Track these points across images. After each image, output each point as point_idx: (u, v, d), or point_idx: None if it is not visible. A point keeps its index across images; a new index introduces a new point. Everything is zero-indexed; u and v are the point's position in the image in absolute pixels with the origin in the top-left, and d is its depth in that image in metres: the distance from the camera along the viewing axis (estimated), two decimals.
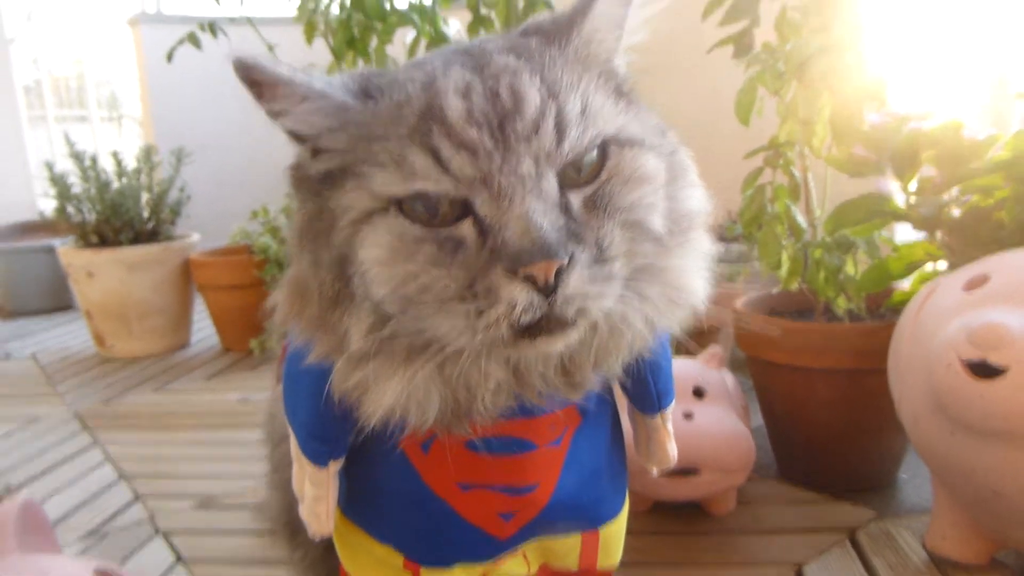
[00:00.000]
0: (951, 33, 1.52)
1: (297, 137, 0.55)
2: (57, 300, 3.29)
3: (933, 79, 1.46)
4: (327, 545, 0.89)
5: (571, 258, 0.47)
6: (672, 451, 0.72)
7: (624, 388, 0.68)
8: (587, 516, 0.68)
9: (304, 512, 0.67)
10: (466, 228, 0.49)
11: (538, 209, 0.48)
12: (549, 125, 0.49)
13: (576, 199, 0.51)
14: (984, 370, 0.80)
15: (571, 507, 0.65)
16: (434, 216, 0.49)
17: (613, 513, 0.70)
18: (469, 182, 0.48)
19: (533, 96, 0.50)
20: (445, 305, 0.49)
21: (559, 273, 0.47)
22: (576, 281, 0.47)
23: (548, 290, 0.47)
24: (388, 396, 0.54)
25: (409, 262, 0.50)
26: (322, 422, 0.62)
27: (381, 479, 0.66)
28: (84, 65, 5.94)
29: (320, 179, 0.55)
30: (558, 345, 0.51)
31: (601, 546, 0.69)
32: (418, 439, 0.62)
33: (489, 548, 0.66)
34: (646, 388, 0.67)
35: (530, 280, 0.46)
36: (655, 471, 0.74)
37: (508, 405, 0.57)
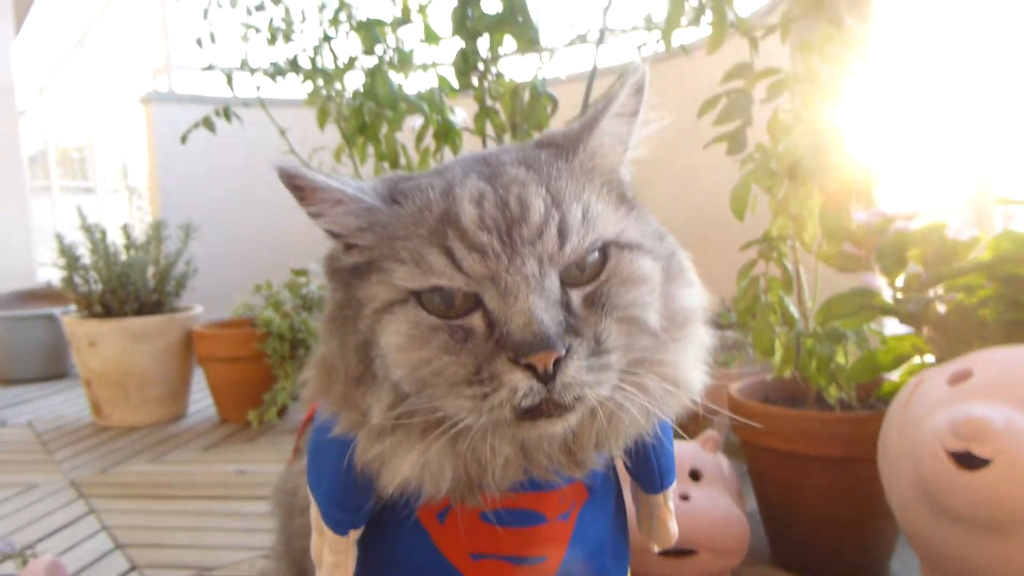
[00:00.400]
0: (936, 138, 1.62)
1: (331, 234, 0.61)
2: (53, 367, 3.32)
3: (919, 180, 1.54)
4: None
5: (569, 349, 0.52)
6: (673, 529, 0.75)
7: (628, 468, 0.72)
8: None
9: None
10: (476, 320, 0.55)
11: (540, 305, 0.53)
12: (552, 231, 0.55)
13: (577, 296, 0.56)
14: (969, 461, 0.85)
15: None
16: (449, 308, 0.55)
17: None
18: (479, 279, 0.54)
19: (538, 205, 0.56)
20: (455, 388, 0.54)
21: (557, 363, 0.52)
22: (573, 371, 0.52)
23: (547, 377, 0.52)
24: (405, 468, 0.58)
25: (424, 348, 0.55)
26: (345, 493, 0.66)
27: (397, 548, 0.69)
28: (91, 138, 6.09)
29: (350, 271, 0.61)
30: (557, 428, 0.55)
31: None
32: (434, 509, 0.66)
33: None
34: (650, 469, 0.71)
35: (531, 368, 0.52)
36: (656, 548, 0.77)
37: (517, 480, 0.61)
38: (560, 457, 0.60)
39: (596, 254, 0.57)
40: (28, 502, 1.81)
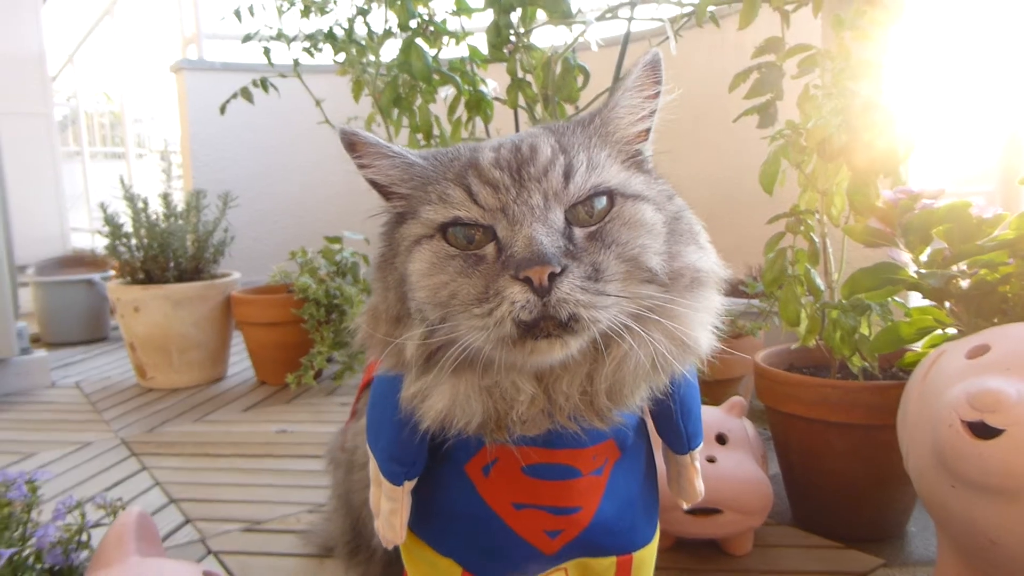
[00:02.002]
0: (965, 117, 1.63)
1: (375, 185, 0.71)
2: (94, 331, 3.42)
3: (947, 159, 1.56)
4: (384, 564, 0.99)
5: (565, 269, 0.58)
6: (699, 487, 0.82)
7: (658, 430, 0.79)
8: (623, 541, 0.78)
9: (380, 525, 0.77)
10: (489, 249, 0.63)
11: (541, 231, 0.60)
12: (557, 171, 0.64)
13: (581, 233, 0.63)
14: (983, 430, 0.90)
15: (609, 531, 0.76)
16: (470, 243, 0.64)
17: (646, 540, 0.80)
18: (492, 211, 0.63)
19: (546, 150, 0.65)
20: (467, 309, 0.61)
21: (552, 278, 0.58)
22: (567, 287, 0.58)
23: (543, 292, 0.58)
24: (439, 402, 0.65)
25: (442, 273, 0.63)
26: (400, 447, 0.73)
27: (446, 499, 0.77)
28: (122, 105, 6.15)
29: (392, 221, 0.71)
30: (556, 351, 0.60)
31: (634, 569, 0.80)
32: (480, 463, 0.74)
33: (537, 563, 0.76)
34: (677, 431, 0.78)
35: (527, 282, 0.58)
36: (684, 505, 0.84)
37: (544, 425, 0.67)
38: (579, 402, 0.66)
39: (604, 201, 0.64)
40: (85, 459, 1.92)
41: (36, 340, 3.29)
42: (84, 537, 0.92)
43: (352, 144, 0.69)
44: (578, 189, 0.63)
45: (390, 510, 0.76)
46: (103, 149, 7.45)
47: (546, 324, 0.58)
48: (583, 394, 0.65)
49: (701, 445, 0.81)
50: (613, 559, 0.78)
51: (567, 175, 0.63)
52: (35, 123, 5.34)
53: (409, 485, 0.76)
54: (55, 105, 5.85)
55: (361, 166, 0.69)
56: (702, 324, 0.66)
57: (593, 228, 0.63)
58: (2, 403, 2.46)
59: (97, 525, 0.93)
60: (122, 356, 2.92)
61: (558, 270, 0.58)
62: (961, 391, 0.93)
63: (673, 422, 0.77)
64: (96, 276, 3.41)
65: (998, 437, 0.88)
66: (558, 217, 0.62)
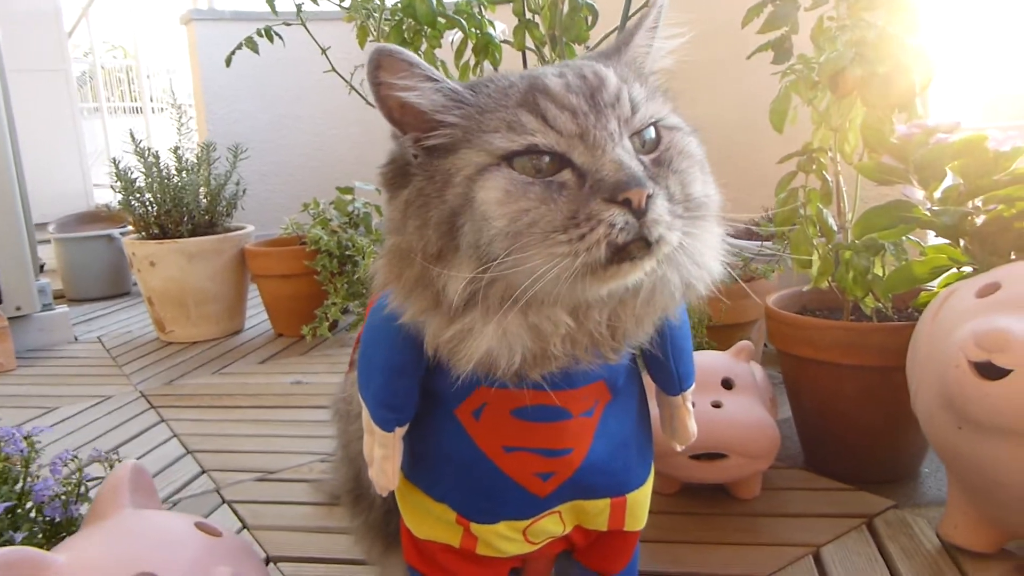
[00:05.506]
0: (985, 47, 1.57)
1: (408, 112, 0.65)
2: (116, 286, 3.46)
3: (966, 92, 1.50)
4: (383, 512, 0.99)
5: (654, 191, 0.59)
6: (692, 428, 0.82)
7: (650, 371, 0.79)
8: (616, 482, 0.78)
9: (373, 472, 0.77)
10: (566, 175, 0.61)
11: (626, 156, 0.60)
12: (626, 98, 0.63)
13: (647, 160, 0.63)
14: (990, 371, 0.87)
15: (601, 472, 0.75)
16: (538, 172, 0.61)
17: (639, 482, 0.80)
18: (569, 137, 0.61)
19: (612, 77, 0.64)
20: (550, 236, 0.59)
21: (648, 200, 0.58)
22: (660, 208, 0.59)
23: (640, 213, 0.58)
24: (485, 341, 0.63)
25: (522, 200, 0.60)
26: (391, 393, 0.73)
27: (438, 444, 0.77)
28: (137, 59, 6.14)
29: (430, 152, 0.65)
30: (636, 272, 0.60)
31: (628, 510, 0.79)
32: (470, 408, 0.73)
33: (530, 506, 0.76)
34: (668, 372, 0.78)
35: (627, 204, 0.58)
36: (678, 447, 0.83)
37: (566, 358, 0.66)
38: (606, 333, 0.66)
39: (653, 132, 0.65)
40: (105, 411, 1.95)
41: (60, 296, 3.34)
42: (83, 490, 0.93)
43: (388, 64, 0.62)
44: (642, 118, 0.64)
45: (382, 456, 0.76)
46: (122, 104, 7.47)
47: (634, 246, 0.58)
48: (610, 326, 0.66)
49: (693, 386, 0.80)
50: (607, 501, 0.78)
51: (633, 103, 0.64)
52: (53, 80, 5.35)
53: (400, 431, 0.75)
54: (72, 61, 5.84)
55: (396, 89, 0.63)
56: (716, 251, 0.68)
57: (655, 155, 0.64)
58: (26, 358, 2.51)
59: (96, 479, 0.94)
60: (143, 311, 2.96)
61: (652, 192, 0.58)
62: (968, 331, 0.90)
63: (665, 363, 0.77)
64: (116, 231, 3.44)
65: (1006, 378, 0.86)
66: (629, 145, 0.62)
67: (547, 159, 0.61)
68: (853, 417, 1.36)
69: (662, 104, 0.68)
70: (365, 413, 0.77)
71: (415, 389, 0.72)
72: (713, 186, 0.69)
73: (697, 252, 0.65)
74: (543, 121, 0.61)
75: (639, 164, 0.61)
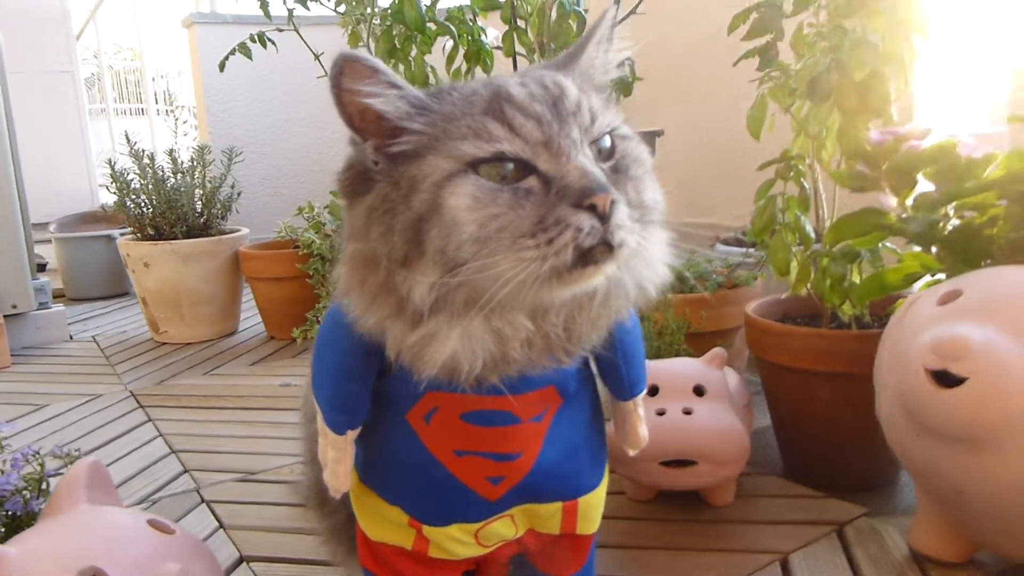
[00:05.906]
0: (961, 55, 1.56)
1: (370, 119, 0.65)
2: (115, 286, 3.49)
3: (942, 99, 1.50)
4: (349, 515, 1.00)
5: (616, 197, 0.61)
6: (643, 434, 0.83)
7: (601, 376, 0.80)
8: (567, 486, 0.78)
9: (327, 475, 0.78)
10: (531, 182, 0.62)
11: (589, 163, 0.62)
12: (585, 108, 0.65)
13: (604, 167, 0.65)
14: (946, 379, 0.88)
15: (551, 477, 0.76)
16: (503, 179, 0.62)
17: (591, 486, 0.80)
18: (534, 145, 0.62)
19: (572, 87, 0.66)
20: (517, 242, 0.60)
21: (612, 204, 0.60)
22: (622, 213, 0.61)
23: (605, 218, 0.59)
24: (450, 345, 0.63)
25: (491, 206, 0.61)
26: (343, 397, 0.74)
27: (390, 447, 0.77)
28: (142, 61, 6.18)
29: (394, 159, 0.65)
30: (599, 276, 0.62)
31: (580, 514, 0.80)
32: (420, 412, 0.74)
33: (481, 510, 0.76)
34: (619, 378, 0.79)
35: (592, 209, 0.59)
36: (630, 452, 0.84)
37: (523, 362, 0.66)
38: (562, 335, 0.67)
39: (608, 140, 0.67)
40: (93, 410, 1.97)
41: (60, 296, 3.36)
42: (45, 486, 0.94)
43: (352, 71, 0.62)
44: (600, 127, 0.65)
45: (334, 459, 0.77)
46: (128, 106, 7.52)
47: (597, 250, 0.59)
48: (564, 328, 0.67)
49: (644, 392, 0.81)
50: (559, 504, 0.79)
51: (592, 113, 0.65)
52: (61, 81, 5.39)
53: (352, 435, 0.76)
54: (80, 63, 5.89)
55: (360, 95, 0.63)
56: (664, 254, 0.70)
57: (612, 163, 0.66)
58: (21, 355, 2.54)
59: (56, 474, 0.95)
60: (139, 311, 2.98)
61: (616, 198, 0.60)
62: (927, 338, 0.90)
63: (615, 368, 0.78)
64: (115, 232, 3.46)
65: (961, 386, 0.86)
66: (589, 153, 0.64)
67: (511, 166, 0.62)
68: (828, 424, 1.36)
69: (615, 114, 0.70)
70: (319, 415, 0.78)
71: (367, 393, 0.73)
72: (660, 192, 0.70)
73: (650, 255, 0.67)
74: (509, 129, 0.62)
75: (600, 171, 0.62)
